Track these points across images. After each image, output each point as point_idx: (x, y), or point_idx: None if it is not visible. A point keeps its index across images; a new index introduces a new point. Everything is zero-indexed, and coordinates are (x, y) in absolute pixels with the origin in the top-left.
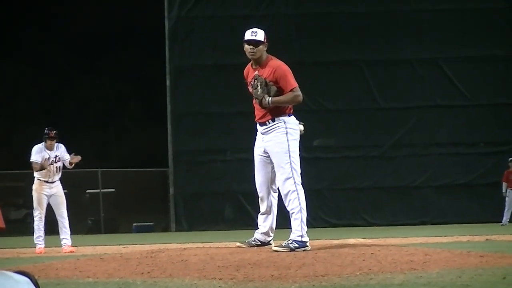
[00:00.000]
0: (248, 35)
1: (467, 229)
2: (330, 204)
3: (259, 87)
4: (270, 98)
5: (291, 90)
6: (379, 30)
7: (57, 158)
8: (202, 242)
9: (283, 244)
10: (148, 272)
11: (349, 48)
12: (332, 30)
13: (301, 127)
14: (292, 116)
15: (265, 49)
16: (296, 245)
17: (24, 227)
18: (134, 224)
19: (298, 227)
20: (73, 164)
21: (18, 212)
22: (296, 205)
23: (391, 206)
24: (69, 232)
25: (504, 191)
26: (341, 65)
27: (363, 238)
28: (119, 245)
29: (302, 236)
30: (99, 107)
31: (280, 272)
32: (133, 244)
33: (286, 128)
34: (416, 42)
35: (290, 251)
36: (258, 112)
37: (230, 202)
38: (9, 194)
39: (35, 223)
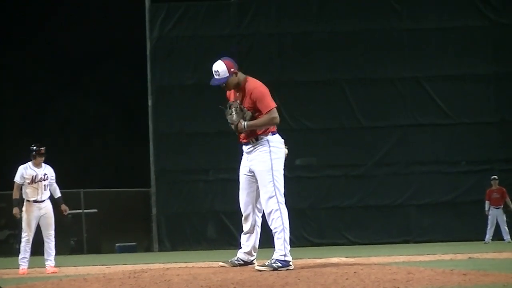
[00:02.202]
0: (213, 79)
1: (449, 247)
2: (312, 223)
3: (234, 113)
4: (246, 122)
5: (268, 112)
6: (360, 48)
7: (46, 176)
8: (185, 262)
9: (266, 264)
10: None
11: (330, 67)
12: (313, 49)
13: (285, 150)
14: (276, 135)
15: (237, 75)
16: (279, 264)
17: (7, 248)
18: (117, 244)
19: (281, 246)
20: (67, 211)
21: (1, 233)
22: (279, 224)
23: (374, 224)
24: (53, 254)
25: (487, 209)
26: (322, 84)
27: (345, 257)
28: (102, 265)
29: (285, 255)
30: (80, 127)
31: None
32: (116, 265)
33: (269, 147)
34: (398, 61)
35: (273, 270)
36: (242, 133)
37: (212, 221)
38: None
39: (22, 244)
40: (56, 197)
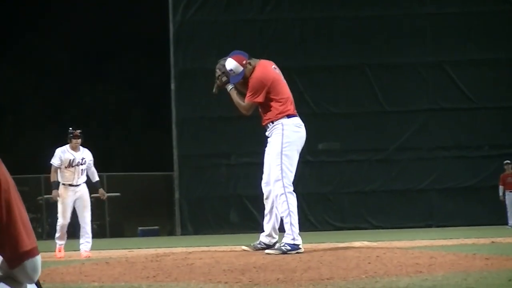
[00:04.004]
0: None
1: (472, 232)
2: (335, 208)
3: (225, 77)
4: (233, 87)
5: (247, 101)
6: (384, 34)
7: (83, 160)
8: (207, 246)
9: (276, 247)
10: (154, 276)
11: (353, 52)
12: (336, 35)
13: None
14: (293, 118)
15: (251, 64)
16: (289, 247)
17: None
18: (140, 228)
19: (289, 230)
20: (105, 196)
21: None
22: (285, 208)
23: (396, 209)
24: (89, 237)
25: (501, 194)
26: (345, 69)
27: (368, 241)
28: (125, 249)
29: (294, 239)
30: (103, 112)
31: (285, 276)
32: (138, 248)
33: (282, 130)
34: (421, 46)
35: (282, 253)
36: (262, 117)
37: (235, 206)
38: None
39: (58, 229)
40: (94, 181)
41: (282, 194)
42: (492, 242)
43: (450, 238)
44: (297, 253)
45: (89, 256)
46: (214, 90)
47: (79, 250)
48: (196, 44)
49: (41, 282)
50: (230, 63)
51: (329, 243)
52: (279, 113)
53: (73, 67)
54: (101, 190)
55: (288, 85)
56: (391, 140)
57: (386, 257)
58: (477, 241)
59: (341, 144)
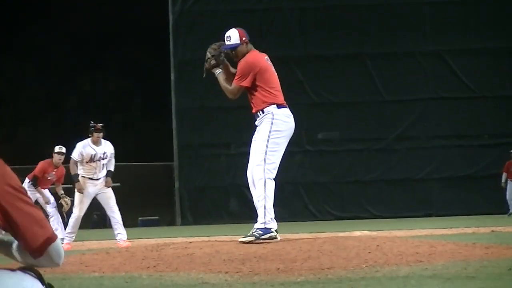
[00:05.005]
0: (224, 45)
1: (472, 221)
2: (335, 197)
3: (214, 60)
4: (221, 72)
5: (234, 84)
6: (382, 23)
7: (105, 154)
8: (207, 236)
9: (248, 234)
10: (154, 266)
11: (352, 41)
12: (335, 24)
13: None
14: (283, 109)
15: (245, 47)
16: (260, 232)
17: None
18: (140, 218)
19: (262, 214)
20: (109, 185)
21: None
22: (261, 193)
23: (396, 198)
24: (121, 226)
25: (503, 181)
26: (344, 58)
27: (368, 231)
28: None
29: (265, 223)
30: (102, 102)
31: (285, 265)
32: (138, 239)
33: (272, 118)
34: (419, 34)
35: (255, 239)
36: (251, 105)
37: (234, 195)
38: None
39: (71, 220)
40: (107, 169)
41: (260, 179)
42: (492, 231)
43: (450, 227)
44: (270, 237)
45: (129, 246)
46: (203, 74)
47: (111, 240)
48: (196, 34)
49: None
50: (233, 31)
51: (329, 232)
52: (269, 102)
53: (73, 57)
54: (108, 179)
55: (288, 75)
56: (390, 129)
57: (386, 247)
58: (477, 230)
59: (341, 133)
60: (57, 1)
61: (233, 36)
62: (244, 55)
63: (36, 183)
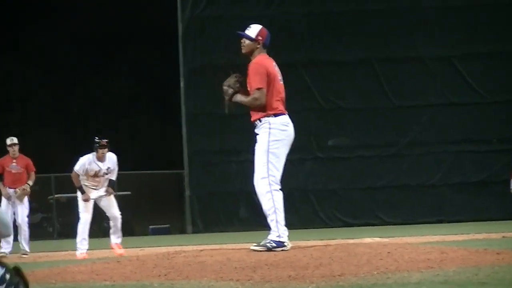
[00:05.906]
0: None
1: (483, 227)
2: (345, 204)
3: (232, 82)
4: (239, 95)
5: (254, 91)
6: (391, 27)
7: (108, 169)
8: (218, 244)
9: (261, 243)
10: (165, 275)
11: (361, 46)
12: (344, 29)
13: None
14: (280, 116)
15: (257, 46)
16: (274, 244)
17: (40, 232)
18: (150, 226)
19: (275, 227)
20: (109, 194)
21: (34, 216)
22: (271, 206)
23: (407, 204)
24: (119, 231)
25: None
26: (353, 63)
27: (379, 237)
28: (136, 247)
29: (279, 236)
30: (111, 109)
31: (297, 273)
32: (149, 247)
33: (269, 128)
34: (428, 39)
35: (267, 250)
36: (250, 113)
37: (244, 202)
38: None
39: (79, 226)
40: (109, 179)
41: (268, 192)
42: (503, 236)
43: (461, 233)
44: (282, 250)
45: (122, 254)
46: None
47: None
48: (205, 40)
49: (53, 281)
50: (256, 26)
51: (339, 239)
52: (267, 112)
53: (81, 63)
54: (109, 189)
55: (296, 80)
56: (400, 135)
57: (397, 253)
58: (488, 235)
59: (350, 139)
60: (67, 6)
61: (253, 29)
62: (250, 51)
63: (1, 178)
